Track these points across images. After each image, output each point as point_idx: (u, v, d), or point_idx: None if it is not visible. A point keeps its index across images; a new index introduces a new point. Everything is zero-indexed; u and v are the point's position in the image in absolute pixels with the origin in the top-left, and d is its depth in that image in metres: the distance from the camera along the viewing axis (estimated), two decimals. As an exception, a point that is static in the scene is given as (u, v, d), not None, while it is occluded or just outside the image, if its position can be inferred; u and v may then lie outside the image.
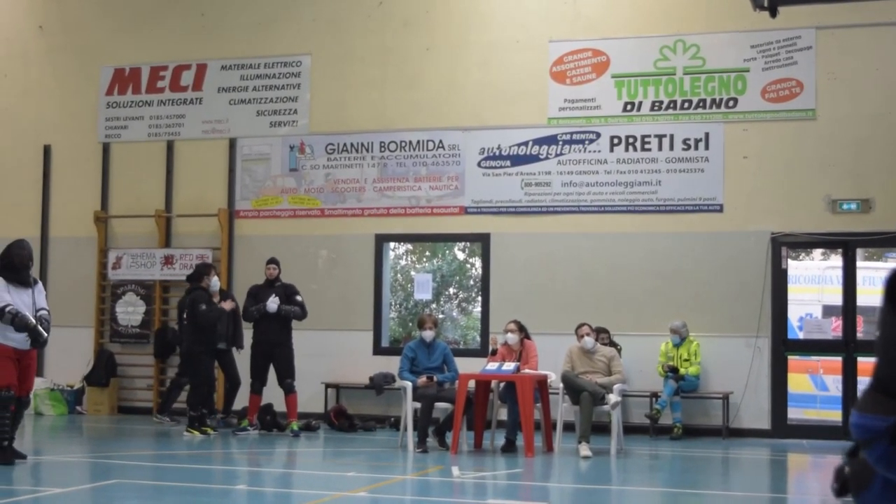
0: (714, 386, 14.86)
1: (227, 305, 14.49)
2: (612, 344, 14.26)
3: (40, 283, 11.10)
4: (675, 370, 14.41)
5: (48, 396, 16.98)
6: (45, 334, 10.67)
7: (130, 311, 17.35)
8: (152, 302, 17.28)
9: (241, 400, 14.89)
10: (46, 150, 18.16)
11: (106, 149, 17.87)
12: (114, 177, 17.83)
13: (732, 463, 12.91)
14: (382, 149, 16.49)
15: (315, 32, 16.98)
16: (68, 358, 17.31)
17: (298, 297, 14.48)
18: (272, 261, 14.72)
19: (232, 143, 17.22)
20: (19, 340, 10.55)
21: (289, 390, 14.25)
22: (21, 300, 10.60)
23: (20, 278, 10.71)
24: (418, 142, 16.34)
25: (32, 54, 18.47)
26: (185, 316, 14.43)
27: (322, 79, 16.89)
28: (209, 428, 14.13)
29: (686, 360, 14.56)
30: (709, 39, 15.35)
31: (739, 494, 10.36)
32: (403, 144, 16.41)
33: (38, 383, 15.99)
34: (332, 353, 16.23)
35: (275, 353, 14.30)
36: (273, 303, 14.20)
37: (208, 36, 17.52)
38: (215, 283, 14.47)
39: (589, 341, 12.95)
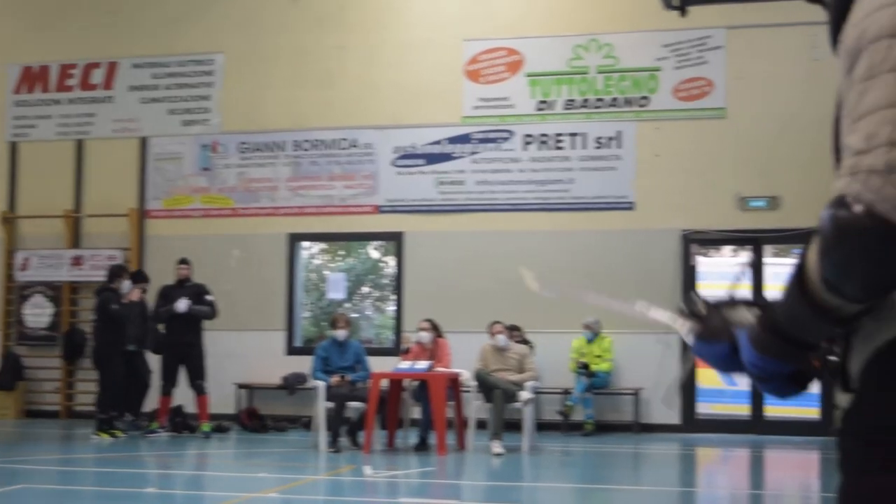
0: (625, 382, 14.98)
1: (136, 295, 14.19)
2: (524, 341, 14.30)
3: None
4: (586, 366, 14.50)
5: (-49, 401, 16.62)
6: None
7: (38, 312, 17.02)
8: (61, 303, 16.97)
9: (151, 402, 14.68)
10: (-48, 150, 17.79)
11: (13, 148, 17.53)
12: (22, 176, 17.49)
13: (643, 458, 13.04)
14: (296, 148, 16.38)
15: (228, 30, 16.80)
16: (-27, 361, 16.95)
17: (209, 297, 14.31)
18: (183, 261, 14.53)
19: (143, 143, 16.99)
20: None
21: (200, 391, 14.10)
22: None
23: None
24: (332, 140, 16.26)
25: (-64, 51, 18.05)
26: (94, 317, 14.20)
27: (235, 77, 16.73)
28: (118, 430, 13.91)
29: (598, 357, 14.67)
30: (622, 39, 15.48)
31: (650, 489, 10.47)
32: (317, 143, 16.32)
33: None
34: (244, 354, 16.07)
35: (186, 354, 14.11)
36: (182, 303, 14.01)
37: (119, 33, 17.23)
38: (127, 285, 14.22)
39: (501, 339, 12.98)
